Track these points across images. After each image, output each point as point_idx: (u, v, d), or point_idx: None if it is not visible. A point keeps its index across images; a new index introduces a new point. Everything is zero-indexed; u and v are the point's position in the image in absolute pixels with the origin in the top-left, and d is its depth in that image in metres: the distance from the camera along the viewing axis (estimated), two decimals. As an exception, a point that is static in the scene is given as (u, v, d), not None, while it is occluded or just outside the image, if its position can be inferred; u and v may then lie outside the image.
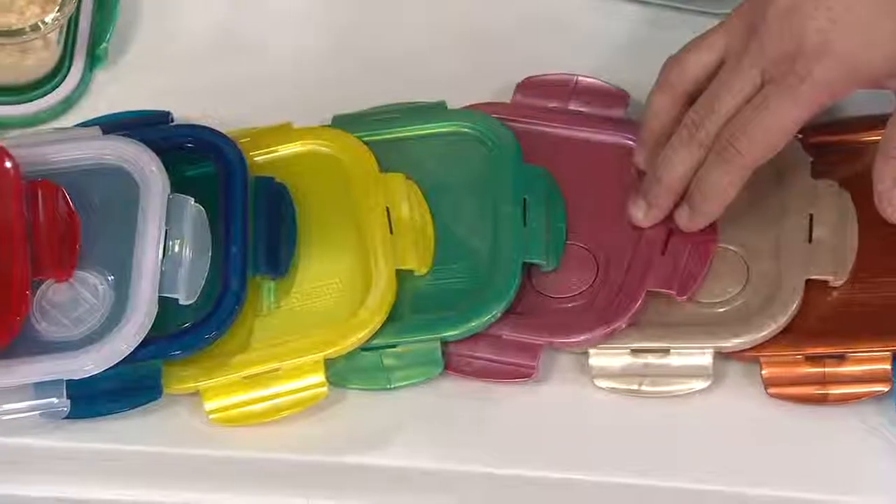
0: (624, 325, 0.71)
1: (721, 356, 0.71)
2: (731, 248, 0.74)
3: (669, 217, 0.72)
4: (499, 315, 0.71)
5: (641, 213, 0.72)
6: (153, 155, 0.73)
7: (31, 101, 0.79)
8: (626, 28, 0.81)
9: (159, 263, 0.70)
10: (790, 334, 0.71)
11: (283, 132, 0.76)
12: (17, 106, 0.78)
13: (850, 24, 0.67)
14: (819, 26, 0.67)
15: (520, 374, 0.71)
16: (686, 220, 0.71)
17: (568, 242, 0.73)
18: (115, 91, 0.80)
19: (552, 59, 0.79)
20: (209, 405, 0.70)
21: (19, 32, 0.76)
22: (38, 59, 0.78)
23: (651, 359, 0.71)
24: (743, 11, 0.70)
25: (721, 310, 0.72)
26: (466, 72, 0.80)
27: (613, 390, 0.71)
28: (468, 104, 0.78)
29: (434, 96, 0.78)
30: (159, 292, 0.70)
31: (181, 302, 0.71)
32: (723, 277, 0.73)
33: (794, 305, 0.71)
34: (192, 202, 0.72)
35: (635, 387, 0.71)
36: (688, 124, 0.70)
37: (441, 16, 0.81)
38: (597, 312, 0.71)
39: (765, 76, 0.68)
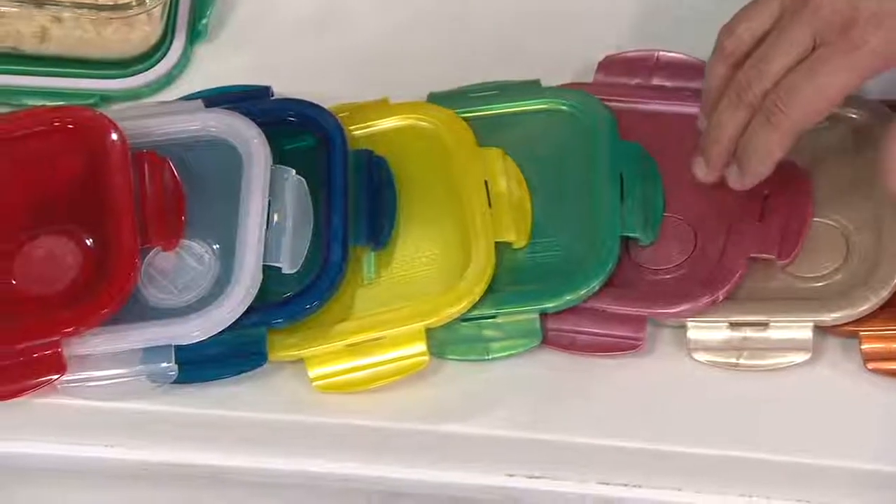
0: (725, 295, 0.70)
1: (818, 331, 0.70)
2: (829, 222, 0.73)
3: (764, 183, 0.71)
4: (597, 288, 0.71)
5: (701, 172, 0.72)
6: (256, 127, 0.73)
7: (134, 75, 0.79)
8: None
9: (263, 233, 0.70)
10: (891, 308, 0.70)
11: (382, 107, 0.76)
12: (121, 80, 0.79)
13: None
14: None
15: (627, 347, 0.70)
16: (735, 179, 0.71)
17: (665, 214, 0.72)
18: (213, 66, 0.80)
19: (622, 38, 0.78)
20: (313, 372, 0.70)
21: (125, 7, 0.76)
22: (142, 33, 0.78)
23: (750, 332, 0.70)
24: None
25: (819, 284, 0.71)
26: (545, 53, 0.79)
27: (712, 363, 0.71)
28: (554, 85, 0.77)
29: (517, 76, 0.77)
30: (263, 261, 0.70)
31: (284, 271, 0.71)
32: (821, 252, 0.72)
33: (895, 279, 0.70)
34: (294, 173, 0.72)
35: (734, 360, 0.71)
36: (736, 85, 0.69)
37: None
38: (699, 281, 0.71)
39: (817, 39, 0.67)
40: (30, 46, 0.78)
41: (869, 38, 0.66)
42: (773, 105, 0.68)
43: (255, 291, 0.69)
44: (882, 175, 0.68)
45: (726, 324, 0.70)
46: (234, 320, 0.69)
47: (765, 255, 0.71)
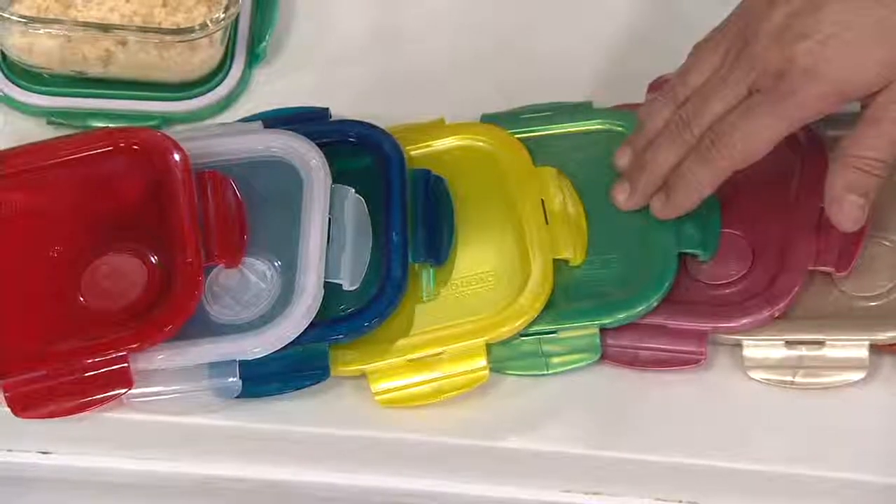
0: (784, 308, 0.69)
1: (873, 350, 0.69)
2: (884, 241, 0.71)
3: (818, 197, 0.70)
4: (655, 304, 0.70)
5: (623, 197, 0.72)
6: (316, 148, 0.73)
7: (196, 97, 0.79)
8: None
9: (324, 251, 0.70)
10: (947, 327, 0.69)
11: (438, 127, 0.76)
12: (182, 102, 0.79)
13: (839, 47, 0.66)
14: (808, 48, 0.66)
15: (689, 361, 0.70)
16: (660, 207, 0.71)
17: (722, 230, 0.72)
18: (272, 88, 0.80)
19: (673, 57, 0.77)
20: (376, 387, 0.70)
21: (188, 31, 0.76)
22: (203, 57, 0.78)
23: (806, 350, 0.69)
24: (739, 22, 0.70)
25: (875, 303, 0.70)
26: (597, 74, 0.78)
27: (767, 381, 0.70)
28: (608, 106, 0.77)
29: (568, 98, 0.77)
30: (324, 278, 0.69)
31: (345, 287, 0.70)
32: (877, 271, 0.71)
33: (952, 299, 0.69)
34: (353, 192, 0.72)
35: (790, 378, 0.70)
36: (677, 122, 0.70)
37: (570, 19, 0.80)
38: (758, 296, 0.70)
39: (753, 86, 0.68)
40: (95, 70, 0.78)
41: (798, 90, 0.67)
42: (710, 145, 0.69)
43: (316, 308, 0.69)
44: (826, 205, 0.68)
45: (782, 342, 0.70)
46: (296, 336, 0.68)
47: (823, 268, 0.70)
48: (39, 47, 0.77)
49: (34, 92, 0.78)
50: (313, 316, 0.69)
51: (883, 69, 0.66)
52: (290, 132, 0.74)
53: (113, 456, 0.69)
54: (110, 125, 0.76)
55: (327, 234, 0.70)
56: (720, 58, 0.70)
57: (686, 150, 0.70)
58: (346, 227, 0.71)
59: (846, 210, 0.68)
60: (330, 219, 0.71)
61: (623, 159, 0.73)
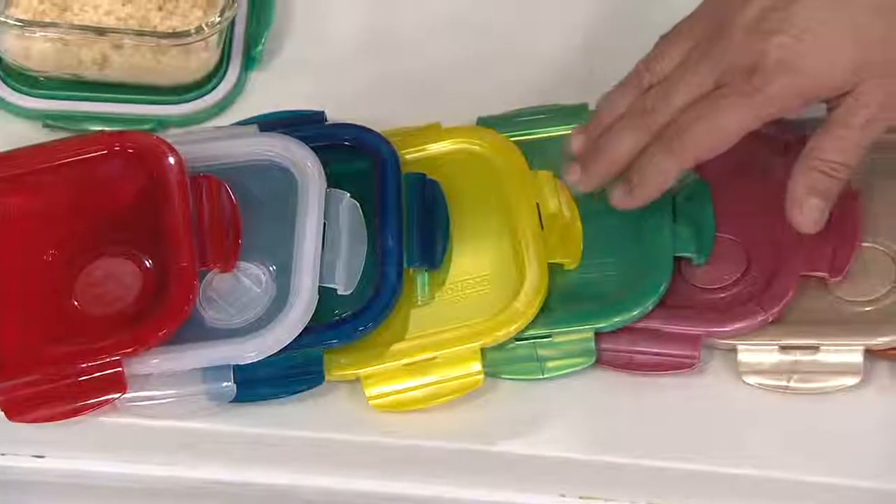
0: (778, 313, 0.69)
1: (868, 354, 0.69)
2: (879, 246, 0.71)
3: None
4: (650, 308, 0.70)
5: (575, 177, 0.70)
6: (311, 152, 0.72)
7: (191, 101, 0.78)
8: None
9: (319, 255, 0.69)
10: (942, 331, 0.68)
11: (433, 131, 0.76)
12: (178, 105, 0.78)
13: (811, 44, 0.65)
14: (782, 42, 0.66)
15: (683, 365, 0.69)
16: (619, 197, 0.70)
17: (717, 234, 0.71)
18: (268, 92, 0.79)
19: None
20: (370, 391, 0.69)
21: (184, 35, 0.76)
22: (199, 60, 0.77)
23: (800, 355, 0.69)
24: (711, 12, 0.69)
25: (869, 308, 0.70)
26: (593, 77, 0.78)
27: (762, 386, 0.69)
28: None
29: (564, 100, 0.76)
30: (319, 282, 0.69)
31: (339, 292, 0.70)
32: (871, 275, 0.70)
33: (947, 303, 0.69)
34: (348, 196, 0.72)
35: (784, 383, 0.69)
36: (641, 108, 0.69)
37: (566, 21, 0.80)
38: (752, 300, 0.69)
39: (722, 79, 0.67)
40: (90, 73, 0.77)
41: (769, 84, 0.66)
42: (674, 135, 0.67)
43: (311, 313, 0.68)
44: (786, 205, 0.68)
45: (777, 347, 0.69)
46: (290, 341, 0.68)
47: (816, 273, 0.70)
48: (35, 50, 0.77)
49: (30, 95, 0.78)
50: (307, 321, 0.68)
51: (854, 69, 0.66)
52: (286, 135, 0.73)
53: (108, 460, 0.69)
54: (106, 128, 0.76)
55: (322, 238, 0.70)
56: (689, 47, 0.68)
57: (647, 138, 0.68)
58: (341, 231, 0.70)
59: (806, 212, 0.67)
60: (325, 223, 0.70)
61: (576, 143, 0.71)
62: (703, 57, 0.67)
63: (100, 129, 0.76)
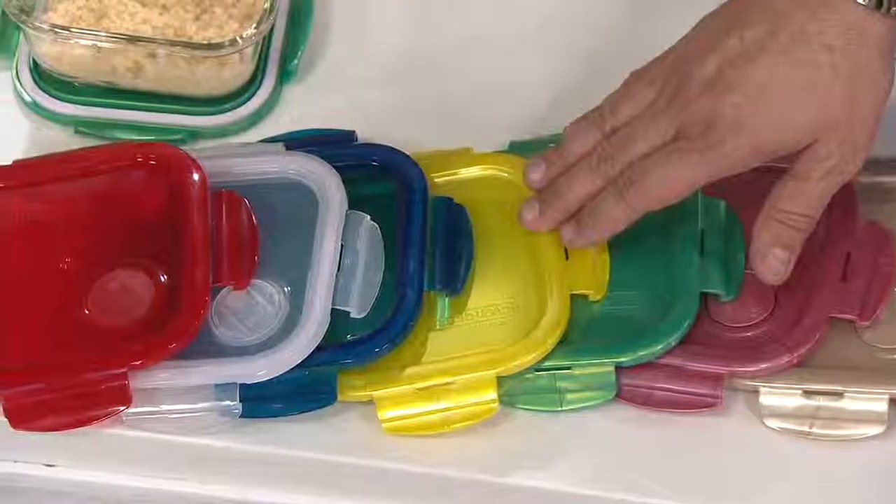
0: (804, 355, 0.66)
1: (893, 404, 0.66)
2: (910, 294, 0.68)
3: (846, 242, 0.68)
4: (673, 344, 0.68)
5: (531, 216, 0.70)
6: (334, 172, 0.71)
7: (224, 112, 0.77)
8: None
9: (333, 277, 0.68)
10: (970, 383, 0.65)
11: (464, 156, 0.74)
12: (210, 117, 0.77)
13: (766, 105, 0.65)
14: (735, 101, 0.65)
15: (704, 404, 0.67)
16: (570, 236, 0.69)
17: (746, 271, 0.69)
18: (302, 106, 0.78)
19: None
20: (384, 414, 0.68)
21: (218, 46, 0.74)
22: (233, 72, 0.76)
23: (824, 401, 0.66)
24: (676, 59, 0.68)
25: (896, 356, 0.67)
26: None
27: (784, 430, 0.67)
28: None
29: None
30: (332, 305, 0.68)
31: (353, 315, 0.69)
32: (901, 324, 0.67)
33: (975, 355, 0.65)
34: (368, 219, 0.70)
35: (806, 428, 0.66)
36: (600, 153, 0.69)
37: (597, 48, 0.78)
38: (779, 340, 0.67)
39: (681, 132, 0.67)
40: (124, 81, 0.76)
41: (722, 143, 0.66)
42: (627, 183, 0.67)
43: (321, 335, 0.67)
44: (750, 256, 0.67)
45: (800, 391, 0.67)
46: (299, 362, 0.66)
47: (845, 316, 0.67)
48: (70, 56, 0.76)
49: (63, 101, 0.77)
50: (318, 343, 0.67)
51: (808, 128, 0.65)
52: (310, 155, 0.72)
53: (118, 472, 0.68)
54: (137, 137, 0.75)
55: (338, 260, 0.68)
56: (654, 94, 0.68)
57: (603, 183, 0.68)
58: (359, 253, 0.69)
59: (769, 263, 0.67)
60: (343, 245, 0.69)
61: (535, 174, 0.70)
62: (665, 108, 0.67)
63: (131, 137, 0.75)
